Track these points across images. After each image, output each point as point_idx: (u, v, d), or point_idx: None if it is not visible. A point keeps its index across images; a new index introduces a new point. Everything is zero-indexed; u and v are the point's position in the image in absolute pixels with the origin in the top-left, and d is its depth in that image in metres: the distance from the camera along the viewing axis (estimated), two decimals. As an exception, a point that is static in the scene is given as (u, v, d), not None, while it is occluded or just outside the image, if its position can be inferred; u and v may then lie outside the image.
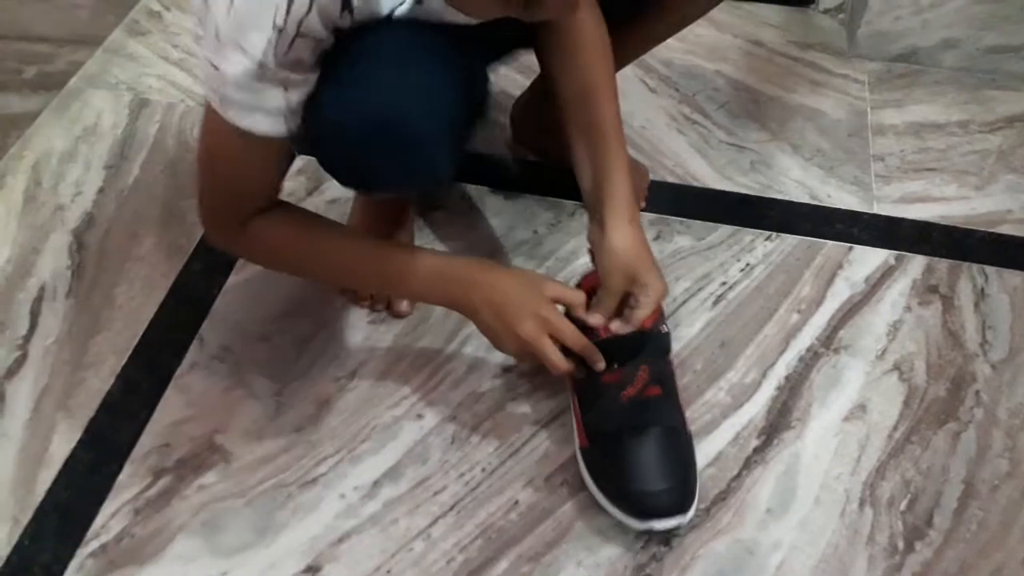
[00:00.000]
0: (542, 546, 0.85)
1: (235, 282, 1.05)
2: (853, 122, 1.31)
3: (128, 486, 0.87)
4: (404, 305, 1.02)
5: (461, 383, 0.97)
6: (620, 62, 0.93)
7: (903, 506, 0.89)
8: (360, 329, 1.02)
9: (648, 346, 0.85)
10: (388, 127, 0.70)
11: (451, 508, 0.87)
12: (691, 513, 0.83)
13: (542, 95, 1.03)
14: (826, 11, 1.50)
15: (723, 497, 0.89)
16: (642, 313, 0.83)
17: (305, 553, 0.84)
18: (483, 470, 0.90)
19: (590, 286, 0.88)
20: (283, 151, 0.77)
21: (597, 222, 0.86)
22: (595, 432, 0.86)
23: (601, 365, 0.84)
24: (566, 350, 0.82)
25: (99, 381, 0.95)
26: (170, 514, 0.85)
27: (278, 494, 0.87)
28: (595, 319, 0.84)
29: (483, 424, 0.93)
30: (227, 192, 0.79)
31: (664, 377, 0.87)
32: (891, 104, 1.34)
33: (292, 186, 1.16)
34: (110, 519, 0.85)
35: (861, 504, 0.89)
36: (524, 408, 0.95)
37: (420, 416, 0.94)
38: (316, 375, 0.97)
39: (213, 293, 1.04)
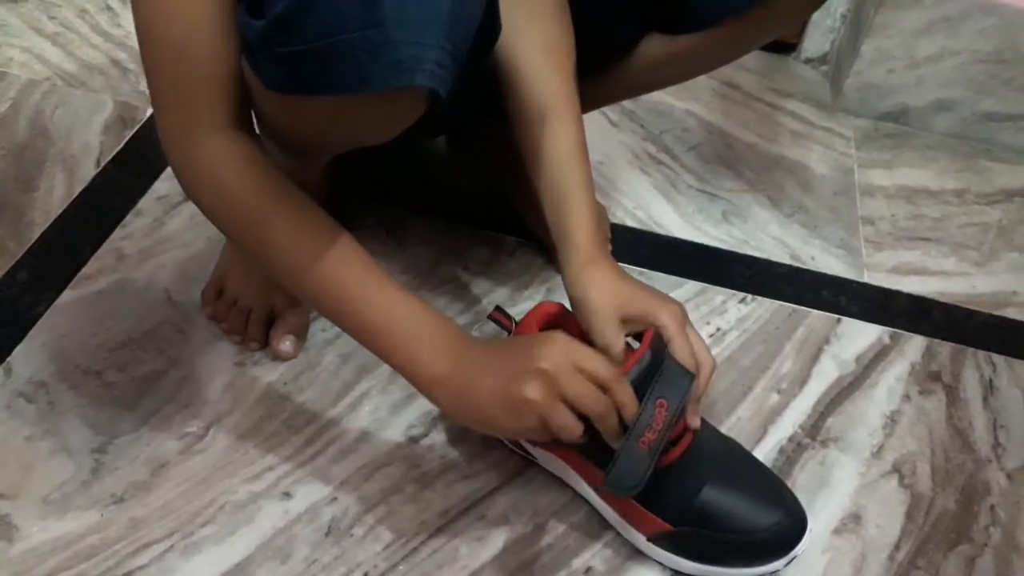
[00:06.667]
0: None
1: (70, 299, 0.81)
2: (839, 180, 1.15)
3: None
4: (287, 343, 0.79)
5: (349, 454, 0.74)
6: (588, 106, 0.77)
7: (911, 655, 0.69)
8: (224, 371, 0.78)
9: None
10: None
11: (315, 627, 0.63)
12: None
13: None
14: (808, 61, 1.35)
15: (682, 630, 0.67)
16: (681, 354, 0.64)
17: None
18: None
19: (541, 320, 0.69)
20: (230, 9, 0.57)
21: (562, 271, 0.69)
22: (679, 511, 0.68)
23: (632, 408, 0.59)
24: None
25: None
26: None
27: (72, 593, 0.63)
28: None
29: (372, 511, 0.70)
30: (175, 71, 0.59)
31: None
32: (880, 164, 1.18)
33: (169, 187, 0.93)
34: None
35: (858, 649, 0.68)
36: (430, 493, 0.72)
37: (287, 495, 0.70)
38: (157, 428, 0.73)
39: (37, 311, 0.80)
